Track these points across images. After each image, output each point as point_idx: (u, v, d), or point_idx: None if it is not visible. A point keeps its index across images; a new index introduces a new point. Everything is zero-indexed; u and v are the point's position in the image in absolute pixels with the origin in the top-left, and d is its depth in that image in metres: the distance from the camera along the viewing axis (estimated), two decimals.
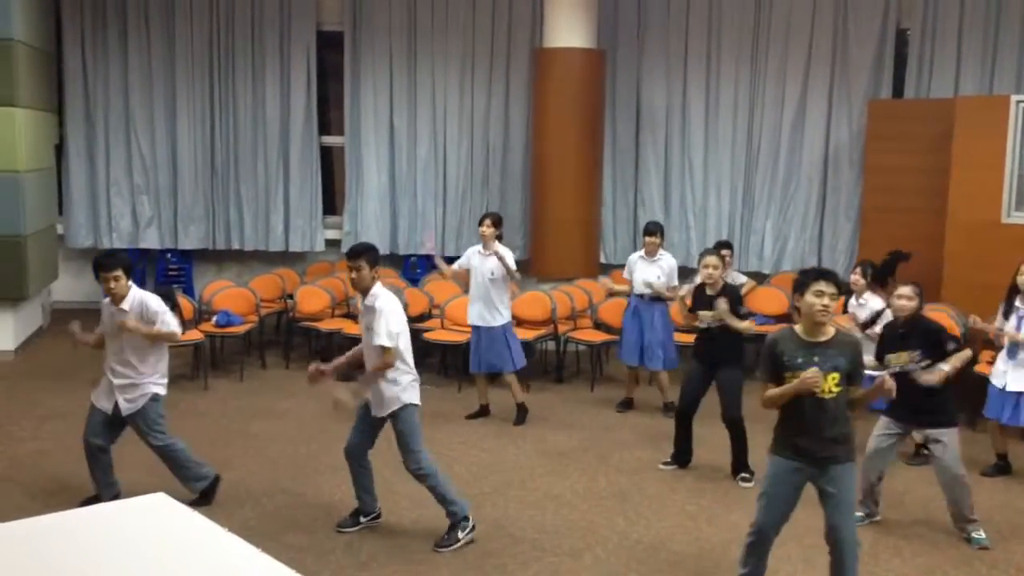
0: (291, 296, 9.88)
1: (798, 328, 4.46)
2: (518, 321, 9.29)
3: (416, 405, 5.60)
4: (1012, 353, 6.59)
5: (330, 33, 11.54)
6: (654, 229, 8.08)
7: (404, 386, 5.54)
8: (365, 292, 5.53)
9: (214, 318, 9.17)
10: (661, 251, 8.08)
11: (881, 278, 7.65)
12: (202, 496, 5.97)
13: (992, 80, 9.99)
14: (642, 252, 8.13)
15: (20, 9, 9.48)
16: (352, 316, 9.41)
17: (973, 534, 5.66)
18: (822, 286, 4.33)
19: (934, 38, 10.19)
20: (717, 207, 11.03)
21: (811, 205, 10.76)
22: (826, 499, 4.51)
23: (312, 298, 9.58)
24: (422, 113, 11.36)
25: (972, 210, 8.57)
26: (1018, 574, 5.33)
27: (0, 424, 7.53)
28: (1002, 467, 6.84)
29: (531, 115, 10.92)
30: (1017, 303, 6.57)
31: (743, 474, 6.67)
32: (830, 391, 4.34)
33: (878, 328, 6.47)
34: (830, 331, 4.42)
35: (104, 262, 5.69)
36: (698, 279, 7.07)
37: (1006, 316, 6.69)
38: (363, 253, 5.51)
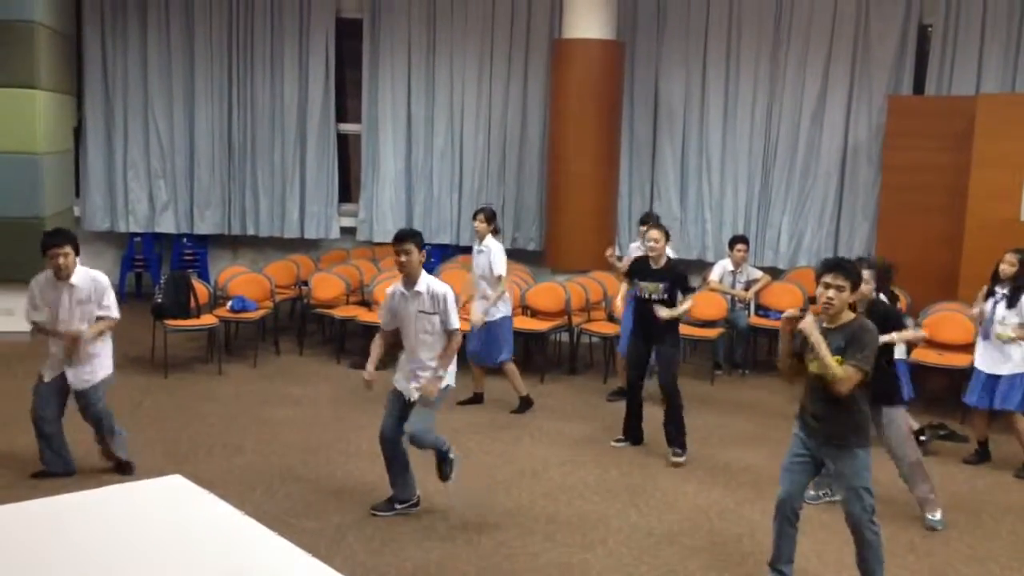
0: (306, 283, 9.90)
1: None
2: (532, 312, 9.32)
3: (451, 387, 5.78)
4: (986, 334, 6.77)
5: (349, 20, 11.54)
6: (658, 220, 7.80)
7: (451, 370, 5.69)
8: (412, 277, 5.49)
9: (229, 303, 9.20)
10: None
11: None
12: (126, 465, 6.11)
13: (1015, 77, 9.88)
14: (639, 242, 7.87)
15: None
16: (367, 303, 9.43)
17: (928, 515, 5.81)
18: (829, 278, 4.46)
19: (956, 34, 10.09)
20: (734, 201, 10.98)
21: (828, 201, 10.69)
22: (833, 477, 4.77)
23: (327, 285, 9.59)
24: (440, 102, 11.35)
25: (991, 209, 8.51)
26: None
27: (20, 404, 7.56)
28: (983, 454, 7.05)
29: (548, 106, 10.90)
30: (997, 288, 6.77)
31: (675, 448, 6.82)
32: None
33: None
34: (846, 318, 4.51)
35: (52, 239, 5.73)
36: (636, 250, 7.18)
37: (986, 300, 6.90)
38: (410, 237, 5.46)
